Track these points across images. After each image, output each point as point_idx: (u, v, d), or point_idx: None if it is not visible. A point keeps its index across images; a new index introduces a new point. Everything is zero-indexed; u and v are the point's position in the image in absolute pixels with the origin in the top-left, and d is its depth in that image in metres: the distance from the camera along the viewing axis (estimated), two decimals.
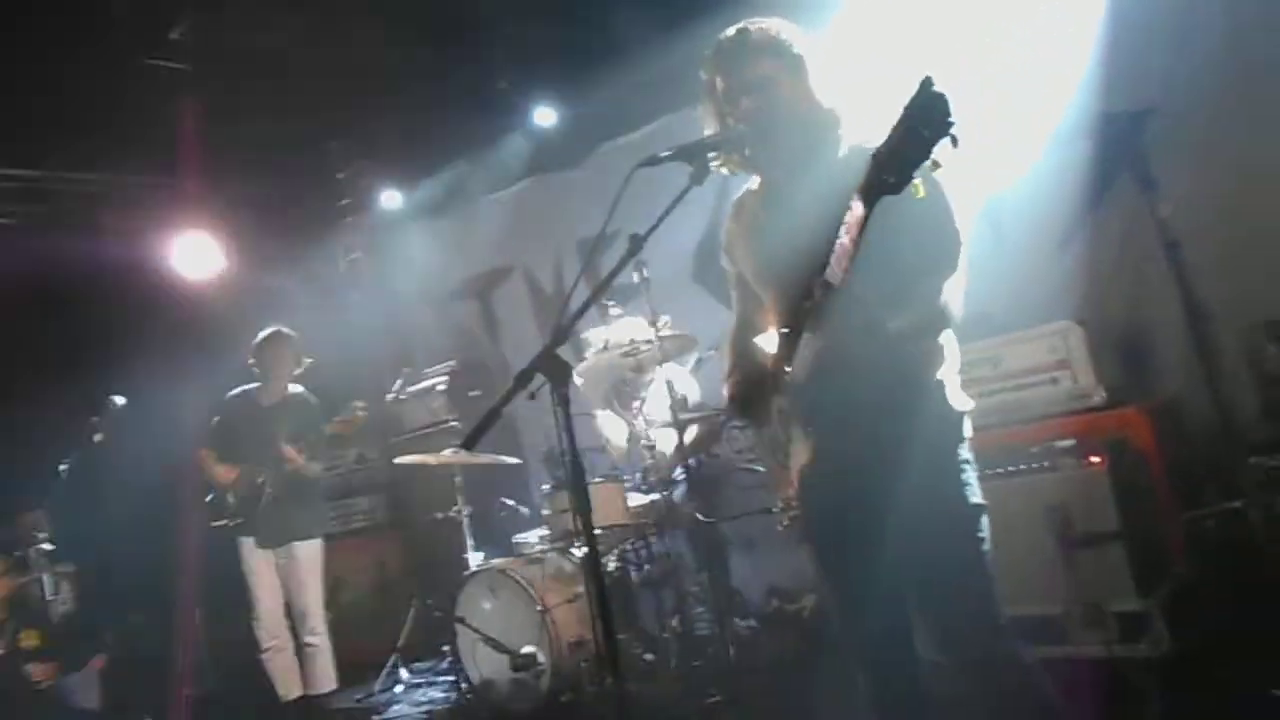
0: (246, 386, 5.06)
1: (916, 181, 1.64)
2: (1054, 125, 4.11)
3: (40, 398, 5.67)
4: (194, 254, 6.41)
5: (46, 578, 5.13)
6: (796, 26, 2.17)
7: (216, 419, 5.05)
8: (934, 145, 1.57)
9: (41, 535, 4.96)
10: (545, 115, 6.09)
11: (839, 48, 2.22)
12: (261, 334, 5.00)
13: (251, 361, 5.00)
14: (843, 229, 1.77)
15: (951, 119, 1.54)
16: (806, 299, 1.93)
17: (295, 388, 5.07)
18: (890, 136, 1.61)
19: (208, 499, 4.97)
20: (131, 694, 5.66)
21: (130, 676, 5.79)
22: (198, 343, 5.32)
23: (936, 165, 1.62)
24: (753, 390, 2.31)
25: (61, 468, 4.82)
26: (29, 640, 5.00)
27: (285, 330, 5.01)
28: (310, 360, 5.06)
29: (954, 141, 1.56)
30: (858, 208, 1.71)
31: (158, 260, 6.29)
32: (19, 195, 5.89)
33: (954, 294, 1.99)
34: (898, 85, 1.63)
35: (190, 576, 5.64)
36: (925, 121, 1.55)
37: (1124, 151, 3.91)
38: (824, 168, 2.08)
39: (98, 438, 4.80)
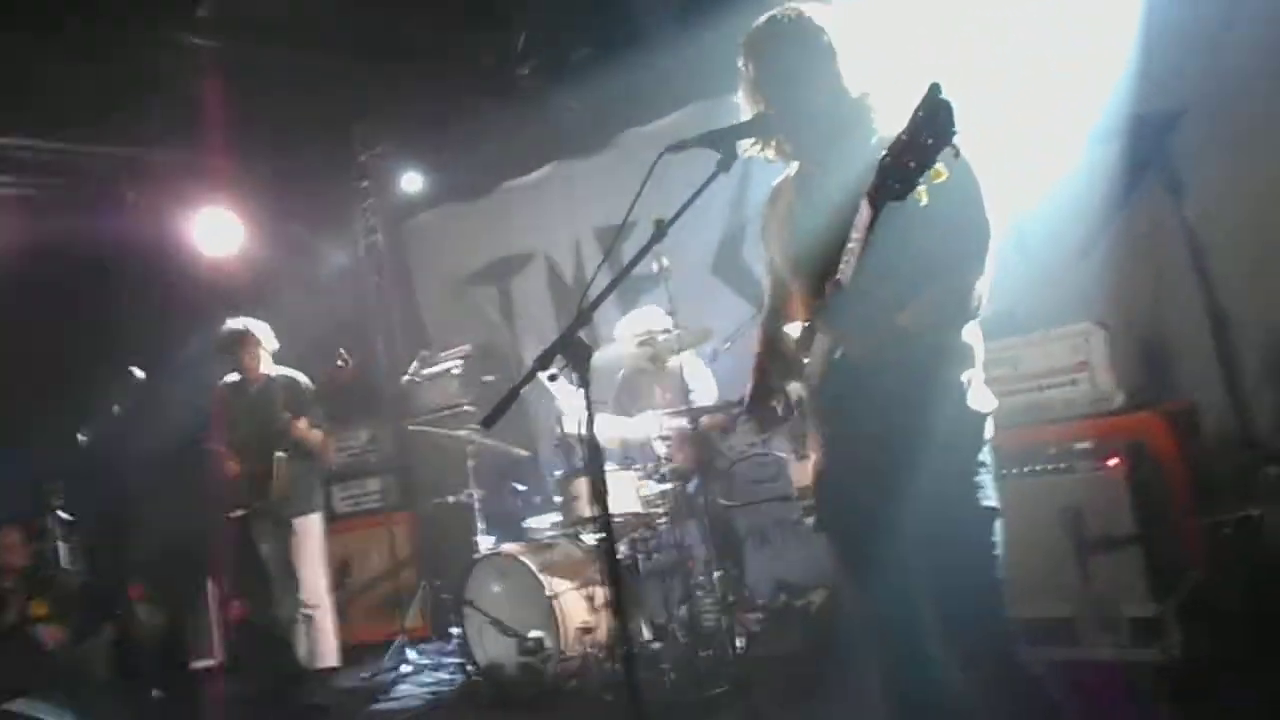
0: (231, 377, 5.18)
1: (921, 188, 1.65)
2: (1085, 127, 4.06)
3: (60, 368, 5.73)
4: (214, 230, 6.45)
5: (62, 547, 5.18)
6: (829, 11, 2.16)
7: (216, 411, 5.16)
8: (937, 153, 1.58)
9: (58, 504, 5.01)
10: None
11: (869, 38, 2.20)
12: (219, 333, 5.10)
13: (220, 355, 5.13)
14: (853, 230, 1.78)
15: (955, 128, 1.54)
16: (818, 297, 1.94)
17: (277, 369, 5.16)
18: (895, 143, 1.63)
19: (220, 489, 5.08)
20: (140, 665, 5.71)
21: (140, 648, 5.85)
22: (215, 319, 5.34)
23: (939, 174, 1.63)
24: (776, 379, 2.31)
25: (80, 438, 4.86)
26: (39, 610, 5.06)
27: (235, 325, 5.09)
28: (276, 345, 5.16)
29: (955, 151, 1.57)
30: (865, 210, 1.73)
31: (178, 235, 6.33)
32: (42, 167, 5.92)
33: (977, 291, 1.97)
34: (926, 82, 1.62)
35: (203, 550, 5.68)
36: (930, 129, 1.56)
37: (1153, 154, 3.88)
38: (854, 158, 2.07)
39: (116, 409, 4.84)
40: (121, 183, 6.27)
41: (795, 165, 2.30)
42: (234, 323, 5.12)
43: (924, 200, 1.71)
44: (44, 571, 5.15)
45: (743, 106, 2.21)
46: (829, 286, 1.87)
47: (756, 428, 2.42)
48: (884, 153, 1.67)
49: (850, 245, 1.80)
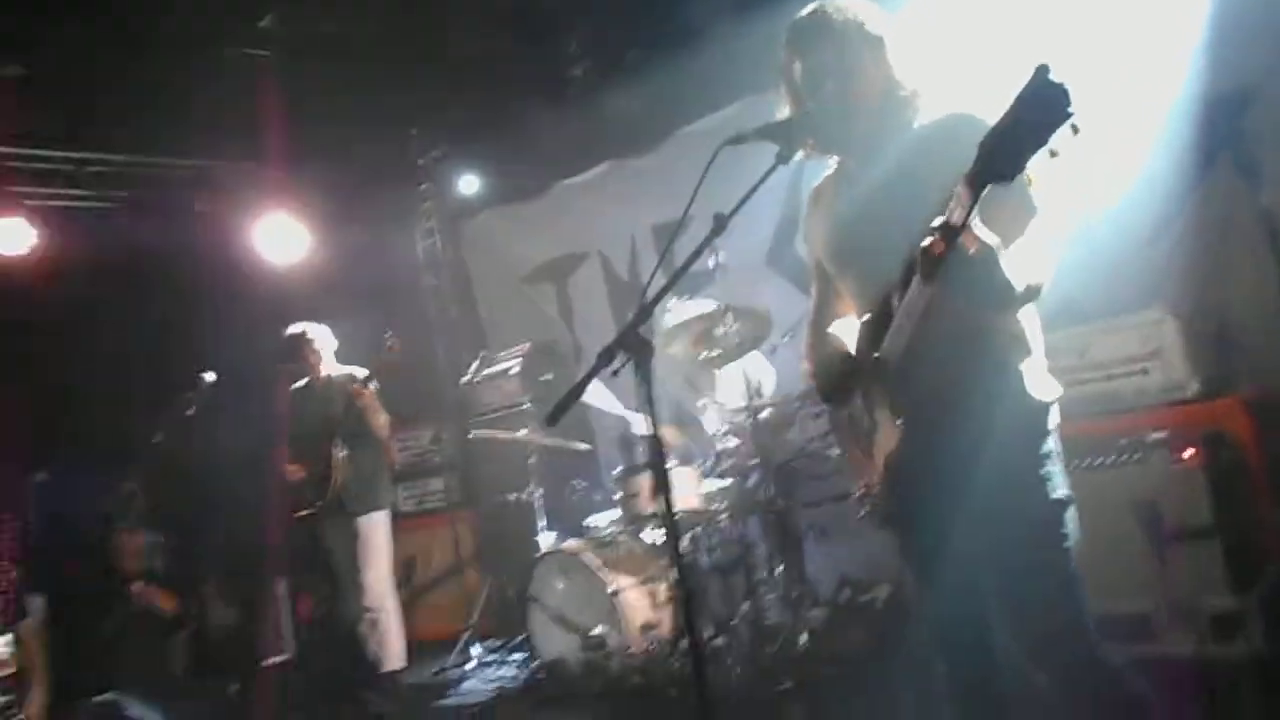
0: (296, 380, 5.35)
1: (1029, 172, 1.57)
2: (1155, 109, 3.93)
3: (133, 374, 5.93)
4: (277, 237, 6.61)
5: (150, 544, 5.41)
6: (873, 4, 2.12)
7: (282, 414, 5.32)
8: (1050, 134, 1.50)
9: (135, 505, 5.20)
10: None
11: (922, 28, 2.16)
12: (280, 338, 5.28)
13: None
14: (945, 216, 1.69)
15: (1071, 109, 1.48)
16: (904, 283, 1.86)
17: (337, 368, 5.28)
18: (1000, 125, 1.54)
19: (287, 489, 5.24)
20: (216, 661, 5.87)
21: (216, 644, 6.01)
22: (281, 323, 5.49)
23: (1054, 154, 1.55)
24: (832, 377, 2.28)
25: (155, 440, 5.02)
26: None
27: (294, 329, 5.27)
28: (335, 345, 5.31)
29: (1074, 130, 1.48)
30: (964, 194, 1.64)
31: (243, 242, 6.51)
32: (111, 180, 6.13)
33: (1032, 269, 1.84)
34: (993, 65, 1.57)
35: (276, 548, 5.83)
36: (1040, 110, 1.49)
37: (1225, 135, 3.75)
38: (897, 148, 2.03)
39: (189, 412, 5.00)
40: (188, 193, 6.47)
41: (834, 163, 2.27)
42: (294, 327, 5.29)
43: (1033, 182, 1.63)
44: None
45: (783, 101, 2.18)
46: (935, 242, 1.72)
47: (824, 413, 2.38)
48: (985, 136, 1.57)
49: (952, 222, 1.68)
